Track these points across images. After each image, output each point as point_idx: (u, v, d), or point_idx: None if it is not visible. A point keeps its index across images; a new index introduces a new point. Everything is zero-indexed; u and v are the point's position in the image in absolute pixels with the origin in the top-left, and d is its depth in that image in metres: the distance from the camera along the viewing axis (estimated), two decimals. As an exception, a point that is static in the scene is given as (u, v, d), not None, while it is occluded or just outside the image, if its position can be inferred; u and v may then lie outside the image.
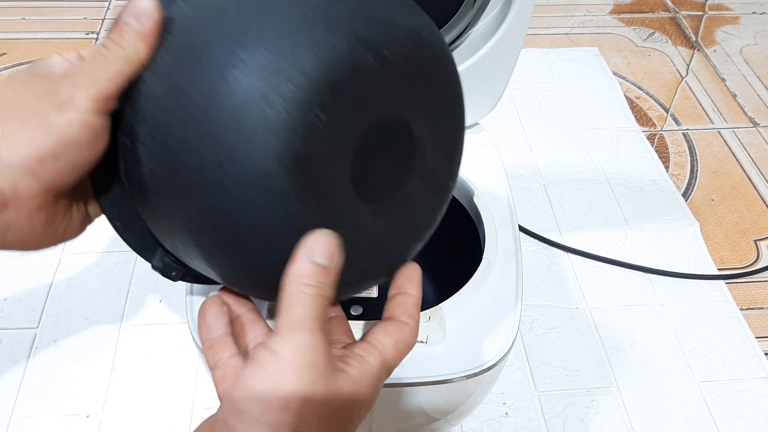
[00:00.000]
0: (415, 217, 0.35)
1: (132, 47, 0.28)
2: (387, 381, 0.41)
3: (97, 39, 1.03)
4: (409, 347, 0.32)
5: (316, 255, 0.28)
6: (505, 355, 0.43)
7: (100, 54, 0.28)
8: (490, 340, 0.43)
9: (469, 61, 0.54)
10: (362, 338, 0.32)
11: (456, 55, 0.55)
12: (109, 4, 1.12)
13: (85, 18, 1.09)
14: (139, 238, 0.34)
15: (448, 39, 0.53)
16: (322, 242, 0.28)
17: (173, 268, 0.35)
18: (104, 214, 0.33)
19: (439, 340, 0.43)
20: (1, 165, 0.26)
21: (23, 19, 1.08)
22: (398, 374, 0.41)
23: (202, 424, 0.30)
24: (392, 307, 0.33)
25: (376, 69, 0.29)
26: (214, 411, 0.63)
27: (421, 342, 0.43)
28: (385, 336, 0.31)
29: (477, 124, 0.60)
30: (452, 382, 0.42)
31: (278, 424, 0.26)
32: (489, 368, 0.42)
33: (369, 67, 0.29)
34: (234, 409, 0.27)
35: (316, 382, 0.27)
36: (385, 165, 0.32)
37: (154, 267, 0.35)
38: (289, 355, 0.27)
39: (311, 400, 0.27)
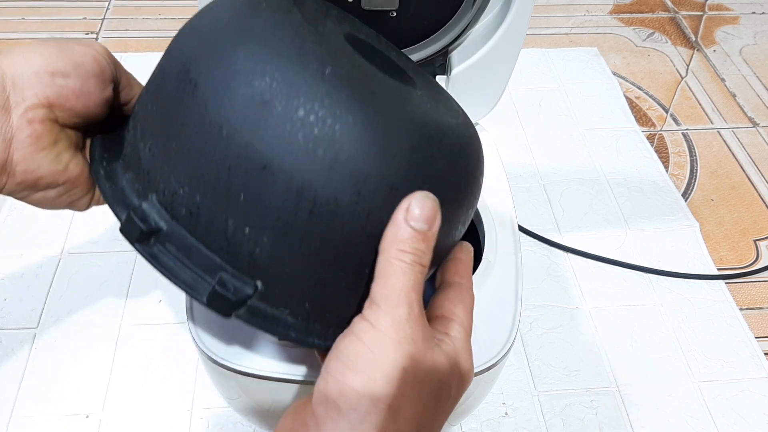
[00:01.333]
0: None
1: None
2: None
3: (97, 39, 1.03)
4: (473, 305, 0.32)
5: (415, 218, 0.28)
6: (504, 355, 0.43)
7: None
8: (490, 340, 0.43)
9: (469, 61, 0.54)
10: (432, 316, 0.31)
11: (456, 55, 0.55)
12: (108, 4, 1.12)
13: (85, 18, 1.09)
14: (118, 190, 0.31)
15: (447, 39, 0.53)
16: (422, 204, 0.28)
17: (151, 221, 0.28)
18: (91, 153, 0.33)
19: None
20: (13, 71, 0.29)
21: (23, 19, 1.08)
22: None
23: (289, 409, 0.30)
24: (443, 272, 0.33)
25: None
26: (213, 411, 0.62)
27: None
28: (453, 305, 0.31)
29: (477, 124, 0.60)
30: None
31: (379, 396, 0.26)
32: (488, 368, 0.42)
33: None
34: (332, 379, 0.27)
35: (415, 356, 0.27)
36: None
37: (125, 223, 0.29)
38: (386, 326, 0.27)
39: (411, 373, 0.26)
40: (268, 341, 0.42)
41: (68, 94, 0.30)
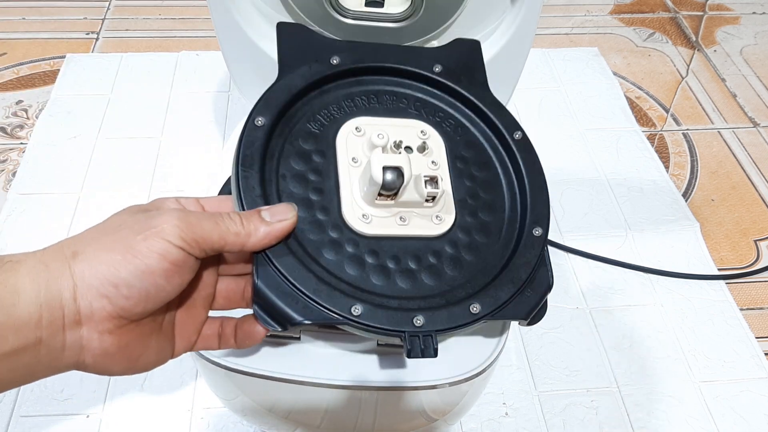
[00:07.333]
0: None
1: (251, 233, 0.31)
2: (381, 384, 0.40)
3: (97, 39, 1.03)
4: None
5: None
6: (492, 363, 0.42)
7: (216, 216, 0.31)
8: (479, 345, 0.42)
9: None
10: None
11: None
12: (109, 4, 1.12)
13: (85, 18, 1.09)
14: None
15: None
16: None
17: None
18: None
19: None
20: (82, 284, 0.28)
21: (23, 19, 1.08)
22: (392, 378, 0.41)
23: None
24: None
25: None
26: (213, 411, 0.62)
27: None
28: None
29: None
30: (439, 387, 0.41)
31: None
32: (478, 374, 0.41)
33: None
34: None
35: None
36: None
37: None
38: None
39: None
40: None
41: (134, 302, 0.29)
